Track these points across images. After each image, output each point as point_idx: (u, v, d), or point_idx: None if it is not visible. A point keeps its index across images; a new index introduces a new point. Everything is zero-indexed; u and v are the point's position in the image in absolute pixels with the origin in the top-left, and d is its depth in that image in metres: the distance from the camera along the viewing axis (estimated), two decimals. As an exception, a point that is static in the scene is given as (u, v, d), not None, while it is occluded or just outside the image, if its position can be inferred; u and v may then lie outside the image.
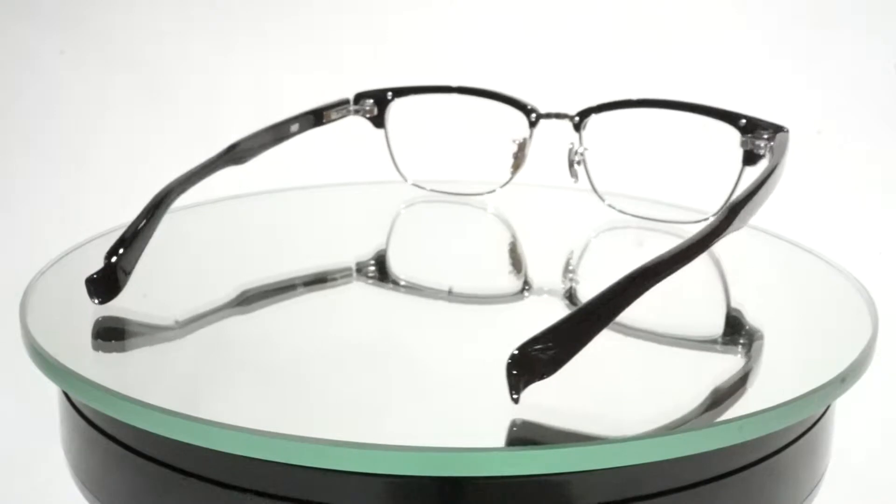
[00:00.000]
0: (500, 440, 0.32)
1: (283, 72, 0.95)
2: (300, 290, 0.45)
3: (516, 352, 0.31)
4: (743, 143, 0.47)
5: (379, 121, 0.55)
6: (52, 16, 0.98)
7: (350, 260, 0.48)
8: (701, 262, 0.46)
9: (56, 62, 0.97)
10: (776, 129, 0.47)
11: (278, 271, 0.47)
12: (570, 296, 0.44)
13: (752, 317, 0.43)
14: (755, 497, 0.34)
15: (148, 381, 0.35)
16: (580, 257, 0.49)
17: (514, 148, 0.52)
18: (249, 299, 0.43)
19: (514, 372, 0.31)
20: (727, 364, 0.38)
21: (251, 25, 0.96)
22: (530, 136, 0.52)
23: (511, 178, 0.53)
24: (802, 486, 0.36)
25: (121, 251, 0.41)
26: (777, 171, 0.43)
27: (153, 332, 0.40)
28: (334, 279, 0.47)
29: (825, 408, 0.37)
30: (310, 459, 0.30)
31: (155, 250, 0.43)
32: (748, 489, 0.34)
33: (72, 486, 0.38)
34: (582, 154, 0.51)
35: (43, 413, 0.48)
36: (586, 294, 0.41)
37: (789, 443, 0.35)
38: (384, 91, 0.55)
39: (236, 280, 0.45)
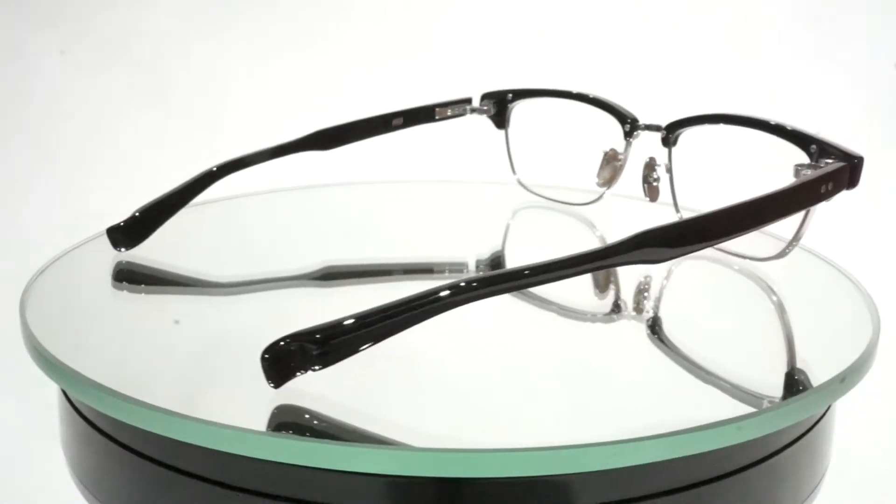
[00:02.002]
0: (500, 441, 0.32)
1: (284, 71, 0.95)
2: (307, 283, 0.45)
3: (273, 344, 0.32)
4: (796, 172, 0.42)
5: (498, 121, 0.55)
6: (52, 16, 0.98)
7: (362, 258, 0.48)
8: (702, 263, 0.46)
9: (56, 62, 0.97)
10: (844, 158, 0.41)
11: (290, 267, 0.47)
12: (654, 325, 0.42)
13: (753, 317, 0.43)
14: (755, 497, 0.34)
15: (148, 381, 0.35)
16: (663, 286, 0.46)
17: (612, 159, 0.51)
18: (251, 295, 0.43)
19: (266, 356, 0.32)
20: (727, 364, 0.38)
21: (251, 25, 0.96)
22: (626, 146, 0.50)
23: (606, 191, 0.51)
24: (803, 487, 0.36)
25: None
26: (761, 204, 0.38)
27: (153, 332, 0.40)
28: (342, 276, 0.47)
29: (825, 408, 0.37)
30: (310, 459, 0.30)
31: (228, 229, 0.44)
32: (748, 489, 0.34)
33: (71, 485, 0.38)
34: (670, 170, 0.48)
35: (43, 413, 0.48)
36: (669, 328, 0.41)
37: (790, 443, 0.35)
38: (505, 92, 0.55)
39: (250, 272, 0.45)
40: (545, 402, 0.35)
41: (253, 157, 0.49)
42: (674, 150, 0.48)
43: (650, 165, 0.48)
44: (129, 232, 0.46)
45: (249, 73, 0.95)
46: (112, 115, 0.97)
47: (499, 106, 0.55)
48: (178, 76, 0.96)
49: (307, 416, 0.33)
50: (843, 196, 0.41)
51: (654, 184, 0.49)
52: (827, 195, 0.40)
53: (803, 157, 0.42)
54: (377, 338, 0.32)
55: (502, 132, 0.55)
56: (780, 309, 0.43)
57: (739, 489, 0.33)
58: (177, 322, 0.41)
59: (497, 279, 0.34)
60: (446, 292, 0.33)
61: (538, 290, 0.44)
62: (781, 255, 0.44)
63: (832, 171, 0.40)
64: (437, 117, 0.54)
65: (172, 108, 0.96)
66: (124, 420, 0.32)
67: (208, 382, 0.35)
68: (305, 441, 0.30)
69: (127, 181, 0.92)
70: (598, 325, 0.43)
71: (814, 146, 0.42)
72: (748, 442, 0.32)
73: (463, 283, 0.33)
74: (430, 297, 0.33)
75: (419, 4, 0.95)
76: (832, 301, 0.44)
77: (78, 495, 0.38)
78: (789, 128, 0.43)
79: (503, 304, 0.43)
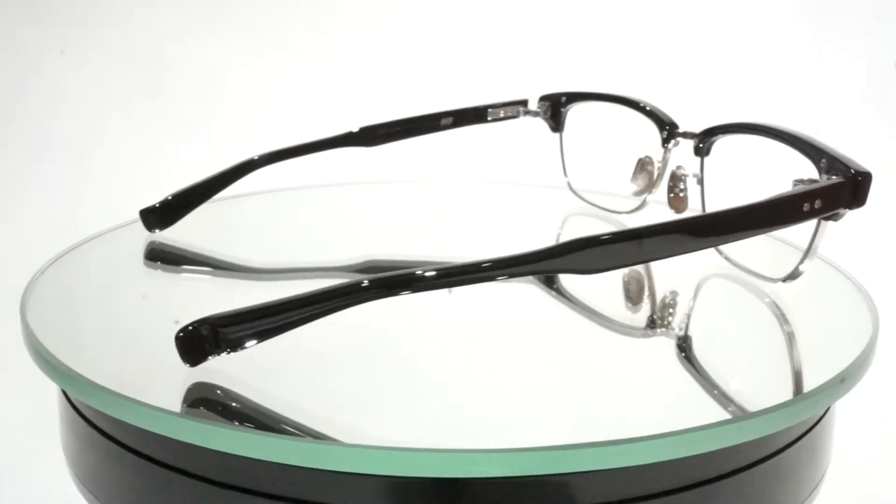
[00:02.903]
0: (500, 441, 0.32)
1: (284, 72, 0.95)
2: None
3: (185, 326, 0.33)
4: (793, 187, 0.39)
5: (553, 123, 0.54)
6: (52, 16, 0.98)
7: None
8: (703, 263, 0.46)
9: (56, 62, 0.97)
10: (846, 174, 0.38)
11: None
12: (683, 347, 0.40)
13: (753, 317, 0.43)
14: (755, 497, 0.34)
15: (148, 381, 0.35)
16: (692, 306, 0.45)
17: (647, 166, 0.49)
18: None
19: (181, 335, 0.33)
20: (727, 364, 0.38)
21: (251, 25, 0.96)
22: (664, 153, 0.48)
23: (648, 197, 0.49)
24: (803, 487, 0.36)
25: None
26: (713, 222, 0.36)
27: (156, 330, 0.40)
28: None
29: (825, 409, 0.37)
30: (310, 459, 0.30)
31: (270, 220, 0.47)
32: (748, 489, 0.34)
33: (71, 485, 0.38)
34: (701, 181, 0.45)
35: (43, 413, 0.48)
36: (670, 330, 0.41)
37: (790, 443, 0.35)
38: (559, 95, 0.54)
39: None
40: (546, 402, 0.35)
41: (293, 150, 0.49)
42: (706, 159, 0.46)
43: (677, 176, 0.46)
44: (161, 214, 0.47)
45: (251, 72, 0.95)
46: (112, 115, 0.97)
47: (553, 109, 0.54)
48: (179, 76, 0.96)
49: (289, 417, 0.33)
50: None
51: (681, 194, 0.47)
52: (813, 213, 0.37)
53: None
54: (285, 327, 0.33)
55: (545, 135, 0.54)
56: (780, 309, 0.43)
57: (739, 489, 0.33)
58: (176, 322, 0.41)
59: (426, 276, 0.34)
60: (361, 286, 0.33)
61: (555, 287, 0.44)
62: (793, 276, 0.42)
63: (818, 188, 0.37)
64: (489, 118, 0.54)
65: (172, 107, 0.95)
66: (124, 420, 0.32)
67: (209, 383, 0.35)
68: (305, 441, 0.30)
69: (127, 181, 0.92)
70: (602, 326, 0.43)
71: (824, 160, 0.39)
72: (748, 442, 0.32)
73: (383, 279, 0.33)
74: (339, 292, 0.33)
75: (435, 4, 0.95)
76: (832, 301, 0.44)
77: (78, 495, 0.38)
78: (801, 138, 0.40)
79: (507, 301, 0.43)
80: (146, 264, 0.46)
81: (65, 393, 0.38)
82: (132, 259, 0.47)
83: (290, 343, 0.39)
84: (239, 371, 0.37)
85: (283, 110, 0.91)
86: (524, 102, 0.54)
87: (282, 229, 0.53)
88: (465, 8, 0.93)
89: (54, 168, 0.95)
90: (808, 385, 0.34)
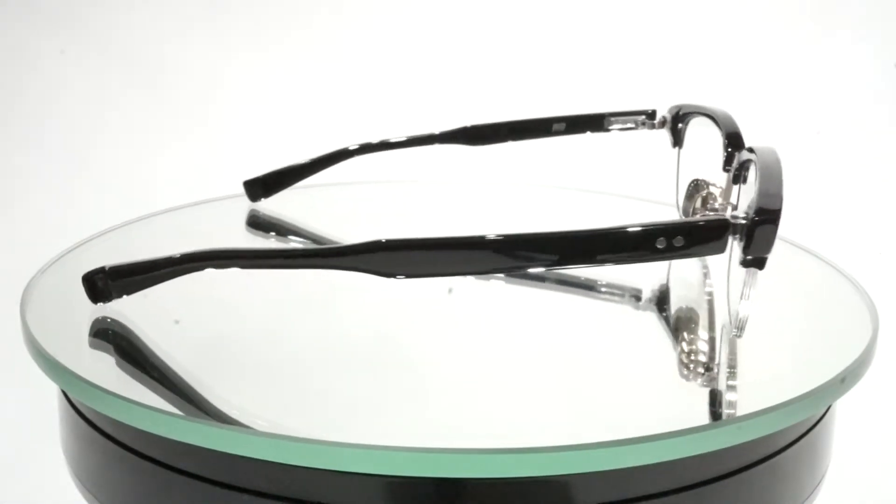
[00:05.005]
0: (500, 441, 0.32)
1: (284, 72, 0.95)
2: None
3: (90, 271, 0.38)
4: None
5: (674, 137, 0.49)
6: (52, 16, 0.98)
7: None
8: (702, 262, 0.46)
9: (56, 62, 0.97)
10: (748, 214, 0.33)
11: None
12: (713, 398, 0.36)
13: (753, 317, 0.43)
14: (755, 497, 0.34)
15: (148, 381, 0.35)
16: (693, 307, 0.44)
17: (700, 190, 0.44)
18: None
19: (84, 277, 0.38)
20: (728, 364, 0.38)
21: (251, 25, 0.96)
22: (728, 179, 0.41)
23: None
24: (803, 487, 0.36)
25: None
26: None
27: (153, 333, 0.40)
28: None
29: (825, 408, 0.37)
30: (310, 459, 0.30)
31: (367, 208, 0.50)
32: (748, 489, 0.34)
33: (71, 486, 0.38)
34: (735, 210, 0.40)
35: (43, 413, 0.48)
36: (700, 351, 0.40)
37: (790, 443, 0.35)
38: (678, 108, 0.49)
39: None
40: (546, 403, 0.35)
41: (395, 143, 0.51)
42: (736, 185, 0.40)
43: (706, 200, 0.43)
44: (264, 185, 0.52)
45: (250, 72, 0.95)
46: (112, 115, 0.97)
47: (674, 122, 0.49)
48: (179, 76, 0.96)
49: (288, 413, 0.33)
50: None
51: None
52: (674, 251, 0.32)
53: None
54: (152, 280, 0.38)
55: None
56: (780, 309, 0.43)
57: (739, 489, 0.33)
58: (177, 322, 0.41)
59: (250, 253, 0.37)
60: (207, 255, 0.37)
61: (556, 281, 0.44)
62: (740, 327, 0.36)
63: (678, 225, 0.32)
64: (608, 127, 0.51)
65: (173, 108, 0.95)
66: (124, 421, 0.32)
67: (208, 383, 0.35)
68: (305, 441, 0.30)
69: (127, 181, 0.92)
70: (602, 326, 0.43)
71: (755, 194, 0.33)
72: (748, 442, 0.32)
73: (219, 252, 0.37)
74: (191, 256, 0.37)
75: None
76: (832, 301, 0.44)
77: (78, 495, 0.38)
78: (766, 167, 0.35)
79: (507, 302, 0.43)
80: (248, 230, 0.50)
81: (65, 393, 0.38)
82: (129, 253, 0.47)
83: (291, 343, 0.39)
84: (245, 373, 0.37)
85: (282, 111, 0.91)
86: (651, 113, 0.50)
87: (375, 216, 0.54)
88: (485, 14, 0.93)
89: (54, 168, 0.95)
90: (808, 385, 0.34)
